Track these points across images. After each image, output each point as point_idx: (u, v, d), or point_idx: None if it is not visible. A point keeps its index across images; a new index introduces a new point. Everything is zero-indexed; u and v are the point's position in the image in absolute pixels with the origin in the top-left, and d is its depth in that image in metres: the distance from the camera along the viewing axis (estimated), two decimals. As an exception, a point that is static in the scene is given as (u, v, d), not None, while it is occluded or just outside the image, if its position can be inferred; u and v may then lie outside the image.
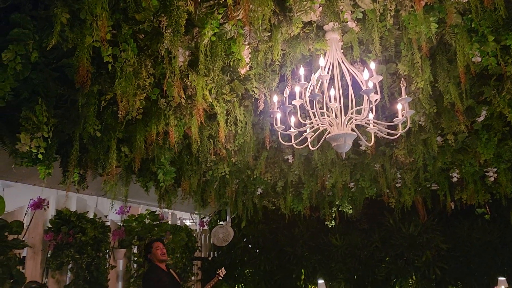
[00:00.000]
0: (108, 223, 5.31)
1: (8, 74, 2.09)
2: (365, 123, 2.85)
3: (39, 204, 4.06)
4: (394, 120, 2.78)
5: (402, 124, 2.93)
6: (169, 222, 6.96)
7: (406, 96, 2.66)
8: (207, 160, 4.36)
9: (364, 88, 2.56)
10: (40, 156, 2.59)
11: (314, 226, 8.19)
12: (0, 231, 3.46)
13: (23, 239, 3.89)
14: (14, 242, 3.63)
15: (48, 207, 4.27)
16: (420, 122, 3.91)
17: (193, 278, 7.51)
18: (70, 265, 4.74)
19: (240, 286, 8.16)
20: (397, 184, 5.85)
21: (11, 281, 3.52)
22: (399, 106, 2.77)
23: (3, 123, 2.68)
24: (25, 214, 4.14)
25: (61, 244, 4.52)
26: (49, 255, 4.53)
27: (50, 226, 4.59)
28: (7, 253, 3.50)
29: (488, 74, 3.26)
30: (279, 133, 3.01)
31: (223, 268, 4.52)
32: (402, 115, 2.74)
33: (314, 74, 2.88)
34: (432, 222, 7.37)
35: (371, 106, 2.71)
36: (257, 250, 8.47)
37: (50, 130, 2.57)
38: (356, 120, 2.77)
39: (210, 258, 8.46)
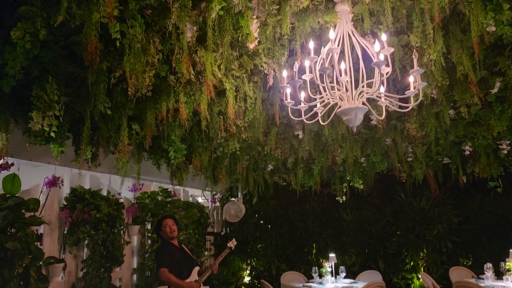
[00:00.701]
0: (121, 200, 5.40)
1: (18, 53, 2.10)
2: (376, 96, 2.81)
3: (54, 182, 4.13)
4: (405, 93, 2.73)
5: (414, 97, 2.89)
6: (181, 199, 7.06)
7: (418, 67, 2.61)
8: (217, 136, 4.37)
9: (375, 60, 2.52)
10: (52, 134, 2.62)
11: (325, 202, 8.24)
12: (17, 209, 3.54)
13: (40, 216, 3.98)
14: (31, 219, 3.72)
15: (62, 185, 4.35)
16: (432, 95, 3.85)
17: (206, 253, 7.66)
18: (86, 241, 4.86)
19: (252, 260, 8.31)
20: (409, 158, 5.82)
21: (30, 256, 3.62)
22: (411, 79, 2.72)
23: (16, 103, 2.71)
24: (41, 192, 4.23)
25: (76, 221, 4.62)
26: (65, 232, 4.65)
27: (65, 203, 4.69)
28: (25, 229, 3.59)
29: (502, 44, 3.18)
30: (289, 108, 2.99)
31: (233, 240, 4.57)
32: (414, 88, 2.70)
33: (324, 48, 2.83)
34: (443, 196, 7.36)
35: (382, 79, 2.67)
36: (269, 226, 8.57)
37: (62, 109, 2.59)
38: (367, 93, 2.74)
39: (222, 233, 8.60)
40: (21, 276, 3.53)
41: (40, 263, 3.87)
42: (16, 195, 3.72)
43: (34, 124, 2.55)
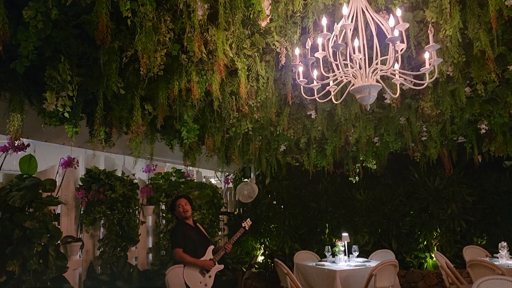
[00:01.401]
0: (136, 181, 5.47)
1: (30, 33, 2.11)
2: (391, 73, 2.76)
3: (69, 163, 4.19)
4: (420, 69, 2.68)
5: (429, 74, 2.83)
6: (195, 180, 7.12)
7: (433, 43, 2.55)
8: (229, 116, 4.37)
9: (389, 36, 2.46)
10: (66, 115, 2.65)
11: (338, 182, 8.23)
12: (34, 189, 3.61)
13: (57, 196, 4.06)
14: (48, 199, 3.80)
15: (78, 165, 4.41)
16: (448, 72, 3.76)
17: (219, 233, 7.76)
18: (102, 221, 4.96)
19: (265, 240, 8.40)
20: (423, 138, 5.75)
21: (48, 235, 3.71)
22: (426, 55, 2.66)
23: (30, 84, 2.73)
24: (57, 172, 4.31)
25: (92, 201, 4.71)
26: (82, 212, 4.74)
27: (81, 184, 4.77)
28: (43, 209, 3.67)
29: (522, 18, 3.08)
30: (301, 87, 2.96)
31: (248, 219, 4.62)
32: (430, 64, 2.64)
33: (337, 24, 2.78)
34: (458, 175, 7.28)
35: (396, 55, 2.61)
36: (282, 206, 8.62)
37: (75, 89, 2.61)
38: (381, 71, 2.69)
39: (236, 213, 8.69)
40: (40, 254, 3.63)
41: (58, 242, 3.97)
42: (33, 175, 3.80)
43: (48, 104, 2.58)
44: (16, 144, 3.39)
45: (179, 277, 4.72)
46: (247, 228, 4.55)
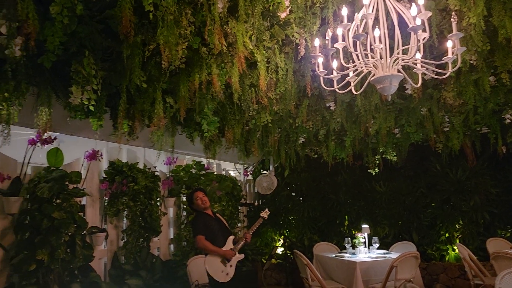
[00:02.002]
0: (157, 173, 5.56)
1: (57, 28, 2.17)
2: (412, 63, 2.74)
3: (93, 155, 4.30)
4: (443, 58, 2.64)
5: (452, 63, 2.79)
6: (215, 172, 7.20)
7: (457, 32, 2.51)
8: (249, 109, 4.39)
9: (411, 25, 2.44)
10: (91, 108, 2.72)
11: (357, 174, 8.18)
12: (61, 180, 3.72)
13: (82, 188, 4.17)
14: (75, 190, 3.92)
15: (102, 158, 4.51)
16: (471, 61, 3.69)
17: (239, 224, 7.83)
18: (125, 212, 5.08)
19: (284, 232, 8.44)
20: (445, 128, 5.66)
21: (75, 226, 3.83)
22: (449, 43, 2.62)
23: (57, 78, 2.81)
24: (82, 165, 4.42)
25: (116, 192, 4.82)
26: (106, 203, 4.86)
27: (104, 176, 4.88)
28: (69, 200, 3.78)
29: (549, 4, 2.99)
30: (321, 78, 2.96)
31: (266, 209, 4.68)
32: (453, 53, 2.60)
33: (358, 14, 2.76)
34: (481, 167, 7.15)
35: (418, 45, 2.59)
36: (301, 198, 8.64)
37: (99, 83, 2.68)
38: (402, 60, 2.67)
39: (255, 204, 8.75)
40: (67, 244, 3.75)
41: (84, 232, 4.09)
42: (60, 168, 3.91)
43: (74, 98, 2.65)
44: (43, 138, 3.49)
45: (200, 267, 4.81)
46: (265, 218, 4.61)
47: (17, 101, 2.64)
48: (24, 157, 3.72)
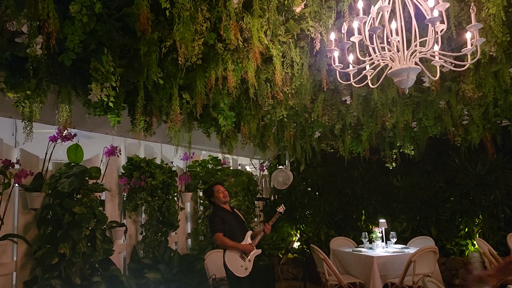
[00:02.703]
0: (174, 169, 5.63)
1: (76, 27, 2.21)
2: (430, 55, 2.70)
3: (112, 151, 4.37)
4: (462, 50, 2.60)
5: (470, 55, 2.74)
6: (231, 167, 7.24)
7: (476, 23, 2.46)
8: (265, 104, 4.40)
9: (428, 17, 2.40)
10: (111, 104, 2.77)
11: (374, 168, 8.11)
12: (81, 176, 3.81)
13: (102, 183, 4.25)
14: (94, 185, 4.00)
15: (120, 154, 4.58)
16: (490, 53, 3.62)
17: (255, 219, 7.87)
18: (143, 207, 5.15)
19: (301, 226, 8.44)
20: (464, 122, 5.57)
21: (95, 220, 3.91)
22: (468, 35, 2.58)
23: (76, 76, 2.87)
24: (101, 161, 4.50)
25: (134, 188, 4.90)
26: (124, 198, 4.95)
27: (123, 171, 4.97)
28: (89, 195, 3.87)
29: None
30: (337, 72, 2.94)
31: (282, 205, 4.71)
32: (472, 44, 2.56)
33: (374, 7, 2.73)
34: (502, 160, 7.01)
35: (436, 36, 2.55)
36: (317, 193, 8.61)
37: (117, 80, 2.72)
38: (420, 53, 2.63)
39: (272, 199, 8.78)
40: (88, 238, 3.83)
41: (104, 226, 4.17)
42: (79, 163, 4.00)
43: (93, 95, 2.70)
44: (64, 134, 3.57)
45: (217, 261, 4.86)
46: (282, 212, 4.65)
47: (39, 98, 2.70)
48: (46, 154, 3.81)
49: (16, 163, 3.52)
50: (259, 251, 4.42)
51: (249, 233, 4.43)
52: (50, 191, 3.81)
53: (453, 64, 2.91)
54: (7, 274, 3.59)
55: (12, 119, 3.84)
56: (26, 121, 2.82)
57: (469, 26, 2.45)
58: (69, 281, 3.66)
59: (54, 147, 3.81)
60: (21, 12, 2.14)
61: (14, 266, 3.63)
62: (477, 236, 6.93)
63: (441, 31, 2.58)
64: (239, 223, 4.42)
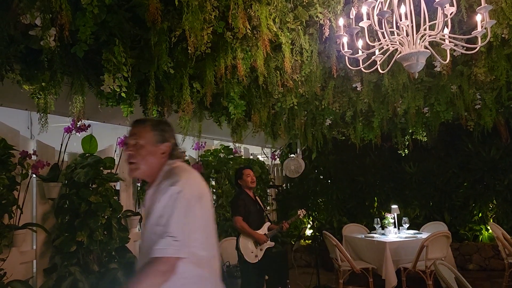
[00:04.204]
0: (186, 158, 5.69)
1: (88, 18, 2.26)
2: (440, 39, 2.69)
3: (125, 142, 4.43)
4: (472, 33, 2.58)
5: (481, 38, 2.72)
6: (242, 156, 7.29)
7: (486, 4, 2.44)
8: (275, 92, 4.42)
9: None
10: (123, 95, 2.82)
11: (386, 155, 8.09)
12: (96, 166, 3.89)
13: (116, 173, 4.33)
14: (109, 175, 4.08)
15: (133, 144, 4.64)
16: (503, 35, 3.57)
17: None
18: (158, 196, 5.23)
19: (313, 214, 8.48)
20: (477, 106, 5.51)
21: (111, 209, 4.00)
22: (478, 17, 2.56)
23: (89, 67, 2.93)
24: (115, 151, 4.58)
25: (148, 177, 4.97)
26: (138, 188, 5.03)
27: (137, 162, 5.04)
28: (104, 185, 3.95)
29: None
30: (346, 58, 2.95)
31: (303, 209, 4.89)
32: (482, 27, 2.54)
33: (382, -9, 2.72)
34: (516, 145, 6.95)
35: (446, 19, 2.54)
36: (329, 180, 8.64)
37: (129, 70, 2.77)
38: (429, 36, 2.62)
39: (284, 186, 8.83)
40: (104, 226, 3.93)
41: (120, 215, 4.26)
42: (94, 154, 4.08)
43: (105, 86, 2.76)
44: (78, 125, 3.65)
45: (230, 249, 4.94)
46: (301, 217, 4.78)
47: (54, 90, 2.77)
48: (61, 145, 3.90)
49: (33, 154, 3.61)
50: (272, 244, 4.49)
51: (267, 224, 4.51)
52: (66, 181, 3.90)
53: (464, 48, 2.89)
54: (28, 262, 3.71)
55: (28, 112, 3.93)
56: (41, 113, 2.89)
57: (478, 8, 2.43)
58: (87, 268, 3.77)
59: (69, 138, 3.89)
60: (34, 5, 2.20)
61: (34, 254, 3.75)
62: (491, 221, 6.90)
63: (450, 14, 2.56)
64: (258, 212, 4.48)
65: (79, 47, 2.48)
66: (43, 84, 2.72)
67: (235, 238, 4.52)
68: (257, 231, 4.35)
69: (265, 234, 4.39)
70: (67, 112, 3.30)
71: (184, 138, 4.58)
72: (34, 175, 3.67)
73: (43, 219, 3.83)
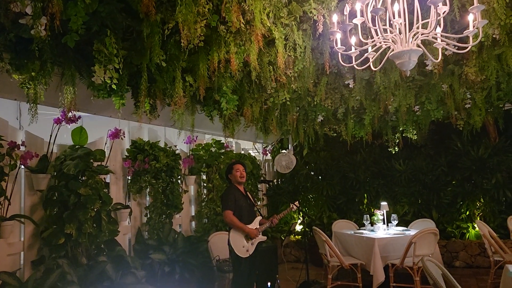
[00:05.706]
0: (177, 152, 5.67)
1: (79, 8, 2.23)
2: (432, 37, 2.70)
3: (116, 134, 4.41)
4: (464, 32, 2.60)
5: (473, 37, 2.74)
6: (234, 151, 7.28)
7: (478, 4, 2.46)
8: (267, 87, 4.42)
9: (431, -2, 2.40)
10: (114, 87, 2.80)
11: (376, 152, 8.16)
12: (86, 158, 3.86)
13: (106, 166, 4.30)
14: (99, 168, 4.05)
15: (124, 137, 4.62)
16: (494, 35, 3.61)
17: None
18: (148, 189, 5.22)
19: (304, 209, 8.52)
20: (467, 105, 5.57)
21: (100, 202, 3.98)
22: (470, 17, 2.58)
23: (80, 58, 2.89)
24: (105, 143, 4.55)
25: (138, 170, 4.96)
26: (129, 181, 5.01)
27: (127, 154, 5.02)
28: (94, 177, 3.92)
29: None
30: (339, 54, 2.95)
31: (297, 202, 4.92)
32: (474, 26, 2.56)
33: (376, -12, 2.72)
34: (503, 144, 7.03)
35: (438, 18, 2.55)
36: (320, 177, 8.68)
37: (121, 62, 2.75)
38: (422, 35, 2.64)
39: (274, 181, 8.84)
40: (94, 219, 3.90)
41: (109, 208, 4.24)
42: (84, 146, 4.04)
43: (97, 77, 2.73)
44: (68, 117, 3.61)
45: (221, 243, 4.95)
46: (294, 209, 4.79)
47: (44, 80, 2.73)
48: (50, 136, 3.86)
49: (21, 145, 3.56)
50: (264, 238, 4.50)
51: (258, 218, 4.51)
52: (55, 173, 3.87)
53: (456, 47, 2.91)
54: (15, 253, 3.67)
55: (17, 102, 3.88)
56: (31, 103, 2.85)
57: (471, 7, 2.45)
58: (76, 261, 3.75)
59: (58, 129, 3.85)
60: (25, -6, 2.16)
61: (22, 245, 3.71)
62: (478, 219, 6.99)
63: (443, 13, 2.58)
64: (248, 206, 4.49)
65: (70, 37, 2.45)
66: (33, 74, 2.68)
67: (226, 232, 4.53)
68: (248, 226, 4.36)
69: (256, 228, 4.40)
70: (57, 103, 3.27)
71: (180, 132, 4.57)
72: (22, 166, 3.63)
73: (31, 210, 3.79)
